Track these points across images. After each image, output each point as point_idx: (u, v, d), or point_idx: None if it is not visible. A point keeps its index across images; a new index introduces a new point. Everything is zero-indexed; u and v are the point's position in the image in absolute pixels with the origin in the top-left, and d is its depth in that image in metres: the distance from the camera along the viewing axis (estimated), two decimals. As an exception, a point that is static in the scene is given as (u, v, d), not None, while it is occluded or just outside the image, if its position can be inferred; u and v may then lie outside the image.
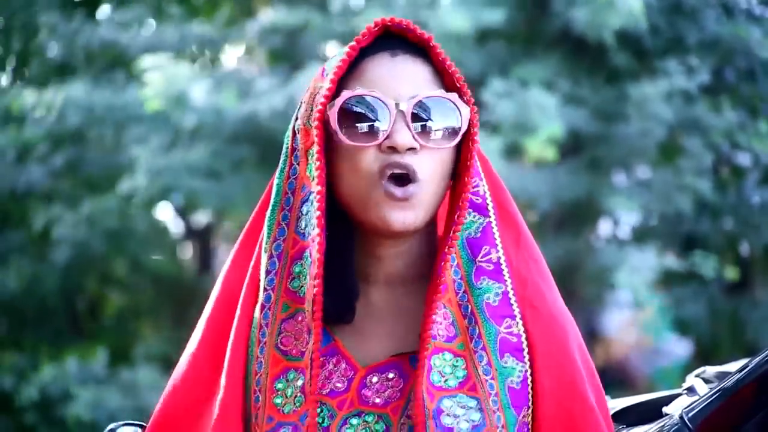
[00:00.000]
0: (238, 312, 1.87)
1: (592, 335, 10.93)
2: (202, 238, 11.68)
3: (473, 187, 1.86)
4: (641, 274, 8.22)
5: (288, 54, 8.65)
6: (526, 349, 1.81)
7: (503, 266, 1.85)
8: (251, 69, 9.19)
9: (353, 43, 1.81)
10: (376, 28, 1.82)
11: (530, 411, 1.80)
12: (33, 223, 9.34)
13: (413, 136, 1.77)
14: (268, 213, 1.87)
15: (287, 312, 1.84)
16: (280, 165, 1.86)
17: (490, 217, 1.86)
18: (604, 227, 9.68)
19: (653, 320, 11.22)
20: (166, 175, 8.10)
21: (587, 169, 8.22)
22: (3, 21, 9.86)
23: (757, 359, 1.99)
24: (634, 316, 11.49)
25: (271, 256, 1.85)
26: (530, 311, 1.84)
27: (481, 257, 1.85)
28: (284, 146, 1.87)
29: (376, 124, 1.77)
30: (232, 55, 9.72)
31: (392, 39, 1.83)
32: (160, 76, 7.92)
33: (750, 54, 8.33)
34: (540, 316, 1.84)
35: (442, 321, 1.80)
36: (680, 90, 8.11)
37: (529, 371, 1.80)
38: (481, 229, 1.86)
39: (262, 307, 1.85)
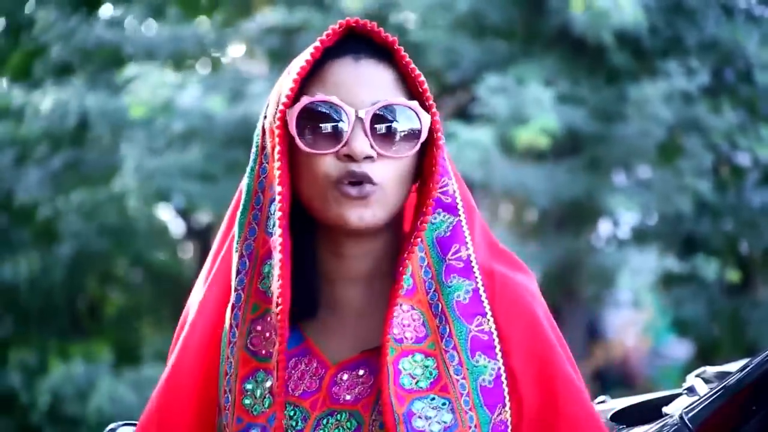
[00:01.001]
0: (207, 312, 1.88)
1: (592, 335, 10.92)
2: (203, 238, 11.70)
3: (441, 187, 1.84)
4: (642, 276, 8.22)
5: (287, 54, 8.65)
6: (498, 346, 1.80)
7: (473, 263, 1.83)
8: (247, 70, 9.19)
9: (317, 43, 1.79)
10: (341, 29, 1.80)
11: (507, 408, 1.78)
12: (31, 214, 9.37)
13: (371, 144, 1.76)
14: (239, 212, 1.86)
15: (257, 312, 1.83)
16: (251, 164, 1.86)
17: (459, 216, 1.85)
18: (604, 227, 9.68)
19: (653, 322, 11.23)
20: (157, 177, 8.11)
21: (587, 169, 8.22)
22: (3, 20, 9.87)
23: (758, 359, 1.99)
24: (635, 316, 11.50)
25: (241, 256, 1.85)
26: (499, 301, 1.82)
27: (451, 255, 1.83)
28: (254, 144, 1.86)
29: (335, 131, 1.76)
30: (230, 56, 9.71)
31: (358, 41, 1.81)
32: (145, 85, 7.92)
33: (748, 57, 8.33)
34: (508, 304, 1.82)
35: (411, 322, 1.79)
36: (680, 91, 8.11)
37: (502, 368, 1.79)
38: (450, 228, 1.84)
39: (233, 307, 1.84)
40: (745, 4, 8.64)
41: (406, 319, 1.79)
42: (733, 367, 2.28)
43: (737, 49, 8.33)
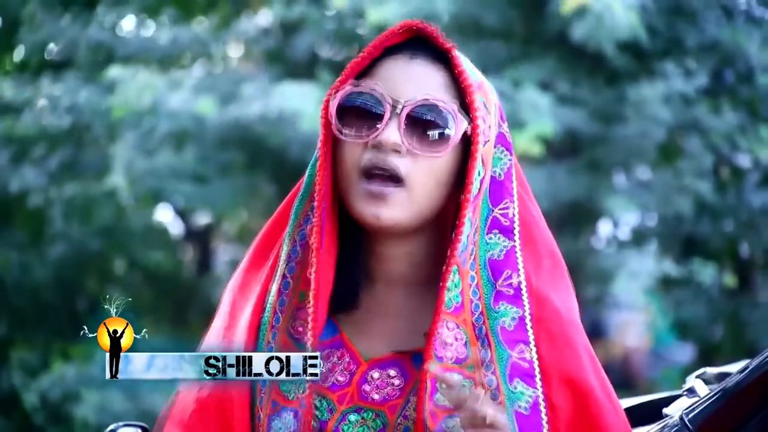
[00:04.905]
0: (254, 300, 1.88)
1: (592, 336, 10.91)
2: (202, 239, 11.69)
3: (502, 209, 1.85)
4: (639, 280, 8.21)
5: (283, 55, 8.65)
6: (539, 375, 1.79)
7: (523, 290, 1.83)
8: (242, 71, 9.18)
9: (376, 42, 1.81)
10: (401, 30, 1.82)
11: None
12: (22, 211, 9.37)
13: (401, 137, 1.76)
14: (296, 201, 1.88)
15: (303, 301, 1.84)
16: (314, 155, 1.86)
17: (515, 241, 1.85)
18: (603, 228, 9.68)
19: (654, 323, 11.22)
20: (148, 178, 8.10)
21: (586, 170, 8.22)
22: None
23: (758, 360, 1.99)
24: (635, 317, 11.49)
25: (294, 243, 1.87)
26: (545, 335, 1.82)
27: (503, 281, 1.83)
28: (319, 138, 1.87)
29: (371, 120, 1.77)
30: (225, 57, 9.70)
31: (417, 43, 1.82)
32: (130, 88, 7.91)
33: (748, 58, 8.33)
34: (553, 339, 1.82)
35: (453, 342, 1.79)
36: (678, 93, 8.11)
37: (541, 396, 1.78)
38: (504, 252, 1.85)
39: (279, 292, 1.86)
40: (746, 6, 8.64)
41: (449, 338, 1.78)
42: (733, 368, 2.27)
43: (737, 51, 8.32)
